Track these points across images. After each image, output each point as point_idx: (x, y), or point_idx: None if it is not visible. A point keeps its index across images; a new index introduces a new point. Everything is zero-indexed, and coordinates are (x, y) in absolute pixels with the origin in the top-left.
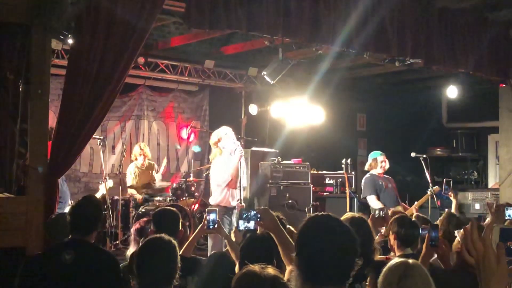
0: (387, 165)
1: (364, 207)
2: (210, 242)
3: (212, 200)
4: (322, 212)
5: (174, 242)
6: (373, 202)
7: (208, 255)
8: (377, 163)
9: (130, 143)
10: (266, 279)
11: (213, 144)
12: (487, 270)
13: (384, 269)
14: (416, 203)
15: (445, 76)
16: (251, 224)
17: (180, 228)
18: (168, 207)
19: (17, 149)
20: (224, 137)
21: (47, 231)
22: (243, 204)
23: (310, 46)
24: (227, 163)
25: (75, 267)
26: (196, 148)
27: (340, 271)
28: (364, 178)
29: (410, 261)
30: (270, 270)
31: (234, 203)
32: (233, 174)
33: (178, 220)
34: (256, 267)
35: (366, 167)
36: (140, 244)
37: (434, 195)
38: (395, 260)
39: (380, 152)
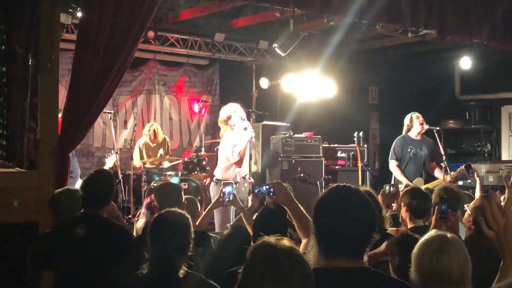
0: (425, 124)
1: (376, 180)
2: (217, 219)
3: (218, 174)
4: (344, 184)
5: (187, 215)
6: (392, 168)
7: (216, 231)
8: (413, 120)
9: (142, 117)
10: (282, 251)
11: (223, 122)
12: (509, 242)
13: (420, 241)
14: (427, 185)
15: (458, 47)
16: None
17: (183, 201)
18: (170, 182)
19: (27, 123)
20: (234, 115)
21: (50, 207)
22: (252, 180)
23: (321, 18)
24: (236, 141)
25: (87, 241)
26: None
27: (356, 244)
28: (396, 139)
29: (448, 234)
30: (286, 242)
31: (239, 179)
32: (241, 153)
33: (179, 193)
34: (271, 239)
35: (404, 130)
36: (153, 217)
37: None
38: (432, 232)
39: (413, 111)
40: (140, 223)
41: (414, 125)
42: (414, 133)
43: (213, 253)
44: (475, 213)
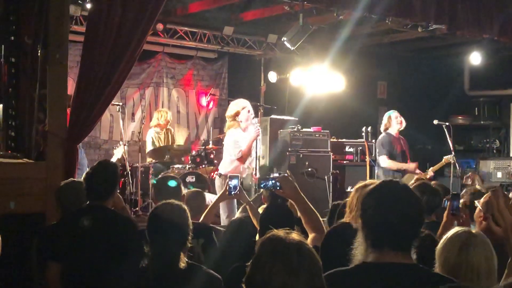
0: (403, 122)
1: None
2: (222, 213)
3: (223, 169)
4: (391, 179)
5: (184, 206)
6: (384, 162)
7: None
8: (392, 119)
9: (149, 110)
10: (291, 244)
11: (230, 117)
12: None
13: (445, 237)
14: (432, 168)
15: (468, 43)
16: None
17: (182, 193)
18: (169, 174)
19: (36, 114)
20: (242, 112)
21: (56, 199)
22: (258, 176)
23: (331, 12)
24: (240, 138)
25: (93, 233)
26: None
27: (403, 239)
28: (379, 138)
29: (474, 230)
30: (295, 235)
31: (244, 174)
32: (244, 152)
33: (178, 186)
34: (280, 232)
35: (382, 128)
36: (150, 211)
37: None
38: (457, 228)
39: (392, 110)
40: None
41: (392, 124)
42: (393, 131)
43: (218, 247)
44: (486, 208)
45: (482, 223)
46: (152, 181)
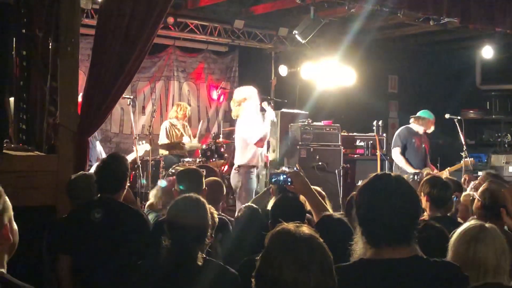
0: (430, 130)
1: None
2: (239, 206)
3: (240, 160)
4: (384, 172)
5: (203, 200)
6: (396, 156)
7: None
8: (430, 122)
9: (160, 104)
10: (301, 238)
11: (237, 102)
12: None
13: (458, 230)
14: (449, 168)
15: (479, 36)
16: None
17: (204, 186)
18: (191, 167)
19: (47, 107)
20: (249, 98)
21: (67, 192)
22: (269, 155)
23: (342, 5)
24: (255, 122)
25: (104, 226)
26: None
27: (400, 232)
28: (399, 128)
29: (487, 224)
30: (305, 229)
31: (262, 163)
32: (262, 133)
33: (201, 179)
34: (290, 225)
35: (411, 120)
36: (169, 205)
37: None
38: (471, 222)
39: (433, 115)
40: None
41: (426, 126)
42: (419, 129)
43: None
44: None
45: (481, 214)
46: (161, 185)
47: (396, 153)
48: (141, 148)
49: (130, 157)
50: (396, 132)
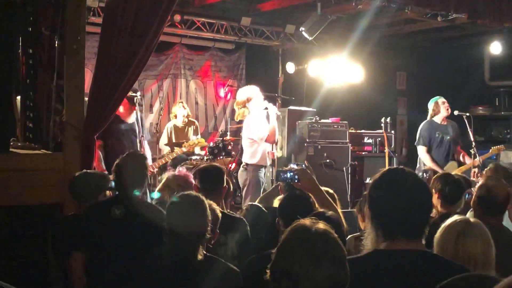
0: (447, 111)
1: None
2: (246, 202)
3: (249, 160)
4: (396, 166)
5: (202, 197)
6: (422, 154)
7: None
8: (439, 105)
9: (167, 102)
10: (317, 233)
11: (240, 103)
12: None
13: (442, 226)
14: (480, 157)
15: (488, 32)
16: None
17: (224, 184)
18: (214, 164)
19: (53, 105)
20: (252, 98)
21: (69, 190)
22: (275, 151)
23: (349, 1)
24: (261, 120)
25: (122, 223)
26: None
27: (413, 225)
28: (421, 124)
29: (471, 219)
30: (321, 225)
31: (270, 161)
32: (270, 129)
33: (223, 176)
34: (306, 221)
35: (429, 117)
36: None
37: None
38: (455, 217)
39: (438, 96)
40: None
41: (441, 110)
42: (439, 118)
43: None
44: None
45: (478, 209)
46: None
47: (422, 151)
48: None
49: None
50: (419, 128)
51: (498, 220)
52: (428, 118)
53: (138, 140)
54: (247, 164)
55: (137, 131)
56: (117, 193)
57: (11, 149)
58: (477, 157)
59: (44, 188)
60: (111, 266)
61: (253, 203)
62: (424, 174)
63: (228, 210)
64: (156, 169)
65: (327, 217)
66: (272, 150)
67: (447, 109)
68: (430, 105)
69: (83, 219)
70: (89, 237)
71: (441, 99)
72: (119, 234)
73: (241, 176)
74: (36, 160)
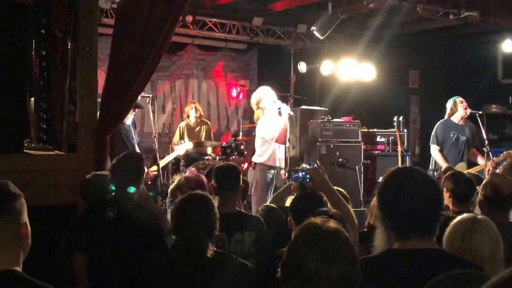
0: (468, 108)
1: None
2: (254, 202)
3: (257, 159)
4: (406, 165)
5: (209, 196)
6: (433, 152)
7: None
8: (457, 104)
9: (180, 102)
10: (327, 232)
11: (254, 105)
12: None
13: (451, 223)
14: (468, 170)
15: (501, 30)
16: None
17: (241, 183)
18: (230, 163)
19: (66, 107)
20: (263, 98)
21: (80, 192)
22: (285, 173)
23: (361, 1)
24: (274, 120)
25: (117, 224)
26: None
27: (425, 222)
28: (437, 123)
29: (479, 216)
30: (332, 223)
31: (278, 163)
32: (280, 130)
33: (239, 175)
34: (317, 220)
35: (446, 116)
36: (177, 202)
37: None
38: (464, 215)
39: (456, 96)
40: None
41: (458, 109)
42: (457, 118)
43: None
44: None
45: (484, 206)
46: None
47: (434, 150)
48: (182, 147)
49: (171, 156)
50: (434, 127)
51: (506, 217)
52: (446, 117)
53: (135, 142)
54: (255, 163)
55: (134, 133)
56: (112, 194)
57: (25, 150)
58: (490, 157)
59: (58, 189)
60: (110, 267)
61: (268, 204)
62: (434, 172)
63: (242, 210)
64: (153, 173)
65: (331, 215)
66: (285, 174)
67: (465, 109)
68: (448, 104)
69: (80, 220)
70: (86, 238)
71: (459, 99)
72: (112, 235)
73: (250, 175)
74: (50, 161)
